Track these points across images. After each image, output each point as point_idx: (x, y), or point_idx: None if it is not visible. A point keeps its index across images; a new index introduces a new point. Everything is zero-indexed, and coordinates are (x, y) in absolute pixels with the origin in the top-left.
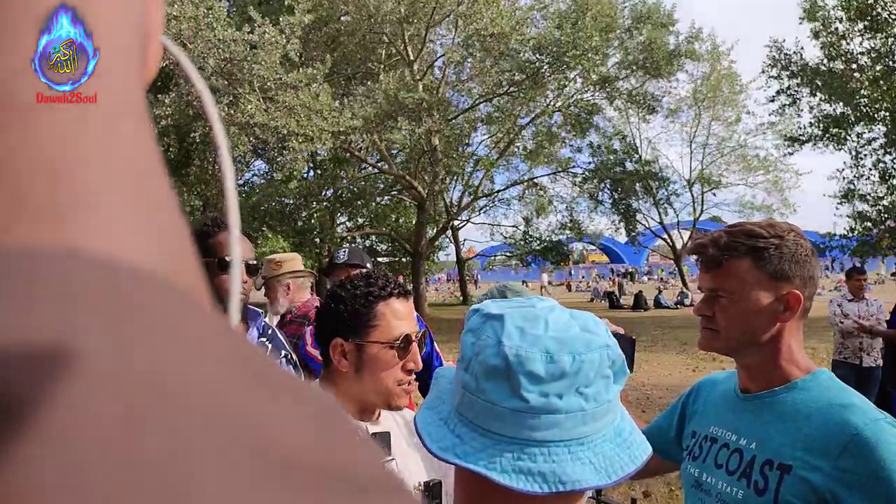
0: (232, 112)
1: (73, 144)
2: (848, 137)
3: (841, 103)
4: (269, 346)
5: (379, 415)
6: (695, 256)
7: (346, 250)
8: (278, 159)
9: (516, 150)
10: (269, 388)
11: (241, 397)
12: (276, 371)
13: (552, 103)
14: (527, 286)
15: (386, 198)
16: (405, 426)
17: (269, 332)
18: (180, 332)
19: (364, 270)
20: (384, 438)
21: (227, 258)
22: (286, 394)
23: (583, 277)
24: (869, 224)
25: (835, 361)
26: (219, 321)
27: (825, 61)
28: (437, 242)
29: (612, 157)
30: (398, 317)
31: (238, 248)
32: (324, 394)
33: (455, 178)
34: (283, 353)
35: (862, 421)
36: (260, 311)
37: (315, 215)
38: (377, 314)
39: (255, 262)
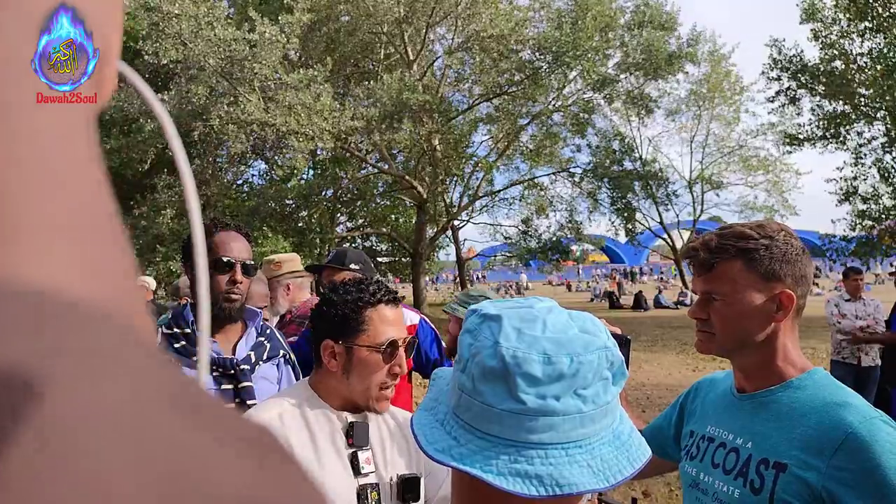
0: (231, 110)
1: (13, 170)
2: (848, 136)
3: (841, 101)
4: (268, 345)
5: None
6: (687, 260)
7: (335, 252)
8: (278, 159)
9: (516, 150)
10: (197, 422)
11: (164, 434)
12: (208, 404)
13: (552, 103)
14: (527, 286)
15: (386, 198)
16: (391, 418)
17: (268, 332)
18: (107, 365)
19: (348, 272)
20: (362, 428)
21: (224, 258)
22: (216, 428)
23: (593, 276)
24: (870, 223)
25: (833, 361)
26: (153, 353)
27: (825, 61)
28: (436, 242)
29: (610, 157)
30: (386, 322)
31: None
32: (261, 427)
33: (454, 179)
34: (282, 352)
35: (857, 419)
36: (258, 310)
37: (315, 215)
38: (365, 319)
39: (251, 262)
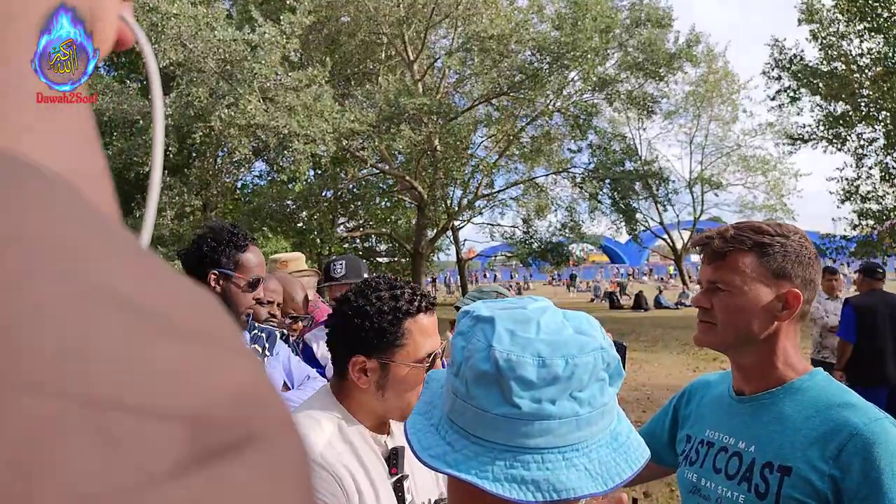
0: (233, 114)
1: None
2: (849, 138)
3: (841, 102)
4: (259, 350)
5: (390, 428)
6: (699, 248)
7: (343, 264)
8: (280, 161)
9: (516, 151)
10: (121, 250)
11: (93, 251)
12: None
13: (552, 104)
14: (527, 286)
15: (386, 199)
16: None
17: (262, 334)
18: (50, 202)
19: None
20: (398, 454)
21: (254, 278)
22: (136, 256)
23: (599, 277)
24: (871, 222)
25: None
26: (91, 206)
27: (825, 62)
28: (437, 243)
29: (611, 157)
30: (426, 334)
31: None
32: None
33: (454, 181)
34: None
35: (862, 421)
36: (277, 331)
37: (315, 216)
38: (405, 332)
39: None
